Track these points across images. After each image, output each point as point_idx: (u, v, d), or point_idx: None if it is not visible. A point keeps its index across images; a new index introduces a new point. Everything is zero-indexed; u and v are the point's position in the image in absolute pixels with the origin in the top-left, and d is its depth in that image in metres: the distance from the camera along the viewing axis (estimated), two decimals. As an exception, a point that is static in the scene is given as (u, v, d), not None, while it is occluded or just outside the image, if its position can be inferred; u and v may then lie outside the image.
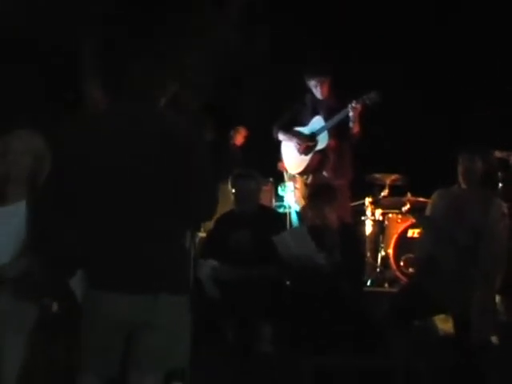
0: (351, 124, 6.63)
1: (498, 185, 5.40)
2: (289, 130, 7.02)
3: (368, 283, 6.94)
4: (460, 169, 5.11)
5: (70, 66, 7.25)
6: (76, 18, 7.32)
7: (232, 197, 5.75)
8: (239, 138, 9.48)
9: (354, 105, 6.54)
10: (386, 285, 7.01)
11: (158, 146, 3.12)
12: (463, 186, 5.09)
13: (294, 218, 7.66)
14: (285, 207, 7.39)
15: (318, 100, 6.96)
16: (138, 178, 3.11)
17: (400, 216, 7.31)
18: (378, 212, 7.38)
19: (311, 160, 6.87)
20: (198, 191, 3.17)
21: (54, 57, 6.90)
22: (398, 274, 7.02)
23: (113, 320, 3.12)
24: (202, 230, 6.83)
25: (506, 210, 4.93)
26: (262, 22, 7.50)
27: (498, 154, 6.99)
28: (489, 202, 4.89)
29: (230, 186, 5.77)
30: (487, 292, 4.73)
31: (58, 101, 7.03)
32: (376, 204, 7.43)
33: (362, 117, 6.64)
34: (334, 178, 6.65)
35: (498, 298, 5.10)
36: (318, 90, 6.88)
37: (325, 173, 6.81)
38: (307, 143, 6.86)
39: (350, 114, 6.58)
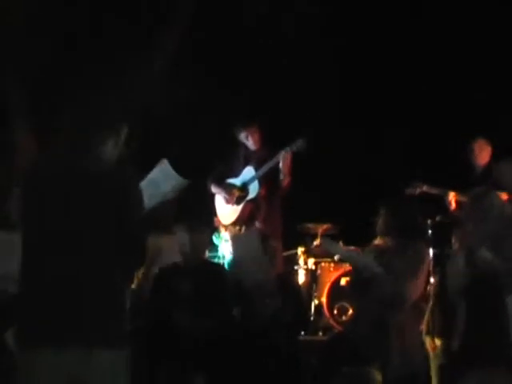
0: (281, 176, 6.73)
1: (418, 232, 5.59)
2: (221, 183, 7.09)
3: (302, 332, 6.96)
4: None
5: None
6: (4, 64, 7.28)
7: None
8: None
9: (283, 154, 6.66)
10: (320, 333, 7.03)
11: (98, 196, 3.15)
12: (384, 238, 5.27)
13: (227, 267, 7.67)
14: (218, 257, 7.36)
15: (250, 151, 7.07)
16: (77, 227, 3.11)
17: (332, 265, 7.38)
18: (311, 261, 7.44)
19: (243, 210, 6.94)
20: (131, 240, 3.19)
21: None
22: (331, 322, 7.06)
23: (46, 376, 3.02)
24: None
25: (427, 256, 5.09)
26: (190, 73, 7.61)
27: (433, 190, 7.27)
28: (405, 251, 5.03)
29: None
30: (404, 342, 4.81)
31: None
32: (308, 253, 7.50)
33: (292, 167, 6.76)
34: (265, 228, 6.71)
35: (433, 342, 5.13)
36: (249, 140, 7.00)
37: (257, 223, 6.86)
38: (237, 194, 6.95)
39: (280, 164, 6.69)
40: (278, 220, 6.92)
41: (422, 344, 4.75)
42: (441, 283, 4.60)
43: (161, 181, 4.07)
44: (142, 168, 4.01)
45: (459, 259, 4.33)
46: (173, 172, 4.10)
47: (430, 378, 4.74)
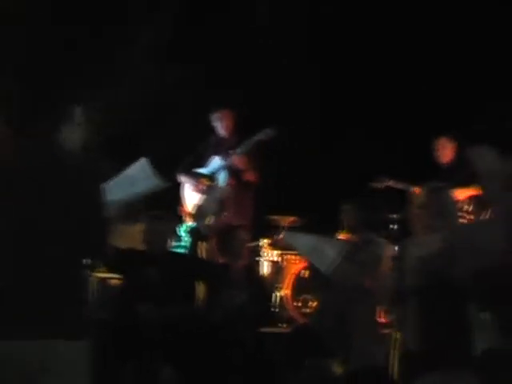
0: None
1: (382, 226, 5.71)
2: (189, 172, 7.11)
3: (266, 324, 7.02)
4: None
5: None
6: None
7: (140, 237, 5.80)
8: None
9: (239, 151, 6.73)
10: (284, 325, 7.07)
11: (59, 186, 3.14)
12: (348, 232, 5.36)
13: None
14: (181, 247, 7.38)
15: (221, 139, 7.09)
16: (36, 217, 3.10)
17: (297, 257, 7.42)
18: (275, 253, 7.48)
19: (211, 200, 6.97)
20: (91, 232, 3.20)
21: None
22: (295, 314, 7.11)
23: (10, 369, 3.01)
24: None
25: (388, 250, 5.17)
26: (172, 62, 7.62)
27: (399, 185, 7.35)
28: (368, 245, 5.11)
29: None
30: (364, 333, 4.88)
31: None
32: (273, 245, 7.54)
33: (258, 159, 6.81)
34: (234, 218, 6.74)
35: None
36: (221, 124, 7.02)
37: (225, 213, 6.88)
38: (205, 183, 6.96)
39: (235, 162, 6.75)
40: (248, 211, 6.94)
41: (383, 336, 4.85)
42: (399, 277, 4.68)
43: (139, 179, 4.13)
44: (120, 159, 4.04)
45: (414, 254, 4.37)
46: (152, 173, 4.15)
47: (390, 369, 4.83)
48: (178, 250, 7.65)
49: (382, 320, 5.12)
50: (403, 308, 4.57)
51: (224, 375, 5.23)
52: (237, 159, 6.77)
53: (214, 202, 6.61)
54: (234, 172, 6.93)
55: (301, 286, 7.13)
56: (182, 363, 5.30)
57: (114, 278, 6.36)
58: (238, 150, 6.79)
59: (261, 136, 6.75)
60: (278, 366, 5.26)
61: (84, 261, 3.26)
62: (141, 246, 5.84)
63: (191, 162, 7.17)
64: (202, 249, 7.00)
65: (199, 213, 6.77)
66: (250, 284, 5.76)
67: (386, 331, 5.26)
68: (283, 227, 7.58)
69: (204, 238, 6.88)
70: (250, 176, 6.82)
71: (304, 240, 5.10)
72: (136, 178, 4.12)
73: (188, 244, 7.17)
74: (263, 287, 6.05)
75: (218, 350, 5.30)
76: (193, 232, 7.09)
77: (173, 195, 7.27)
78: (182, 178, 7.16)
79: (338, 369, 5.07)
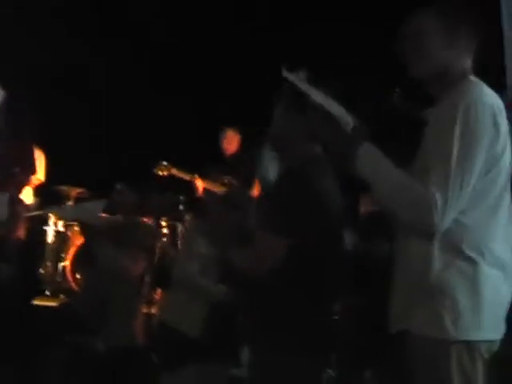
0: None
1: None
2: None
3: (47, 293, 7.01)
4: None
5: None
6: None
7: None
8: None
9: None
10: (62, 296, 7.05)
11: None
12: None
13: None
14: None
15: None
16: None
17: (83, 229, 7.40)
18: (61, 223, 7.42)
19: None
20: None
21: None
22: (74, 285, 7.11)
23: None
24: None
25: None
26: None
27: (181, 174, 7.46)
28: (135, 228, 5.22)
29: None
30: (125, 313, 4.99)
31: None
32: (60, 215, 7.46)
33: None
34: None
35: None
36: None
37: None
38: None
39: None
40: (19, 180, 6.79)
41: (146, 316, 4.96)
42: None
43: None
44: None
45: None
46: None
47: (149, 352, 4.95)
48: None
49: (147, 301, 5.23)
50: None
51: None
52: None
53: None
54: None
55: (83, 258, 7.12)
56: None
57: None
58: None
59: None
60: (39, 341, 5.26)
61: None
62: None
63: None
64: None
65: None
66: (21, 256, 5.68)
67: (151, 312, 5.41)
68: (71, 198, 7.54)
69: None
70: None
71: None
72: None
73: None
74: (35, 259, 5.98)
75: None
76: None
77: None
78: None
79: (97, 347, 5.14)
